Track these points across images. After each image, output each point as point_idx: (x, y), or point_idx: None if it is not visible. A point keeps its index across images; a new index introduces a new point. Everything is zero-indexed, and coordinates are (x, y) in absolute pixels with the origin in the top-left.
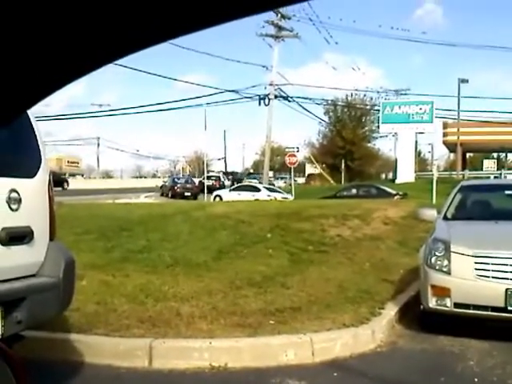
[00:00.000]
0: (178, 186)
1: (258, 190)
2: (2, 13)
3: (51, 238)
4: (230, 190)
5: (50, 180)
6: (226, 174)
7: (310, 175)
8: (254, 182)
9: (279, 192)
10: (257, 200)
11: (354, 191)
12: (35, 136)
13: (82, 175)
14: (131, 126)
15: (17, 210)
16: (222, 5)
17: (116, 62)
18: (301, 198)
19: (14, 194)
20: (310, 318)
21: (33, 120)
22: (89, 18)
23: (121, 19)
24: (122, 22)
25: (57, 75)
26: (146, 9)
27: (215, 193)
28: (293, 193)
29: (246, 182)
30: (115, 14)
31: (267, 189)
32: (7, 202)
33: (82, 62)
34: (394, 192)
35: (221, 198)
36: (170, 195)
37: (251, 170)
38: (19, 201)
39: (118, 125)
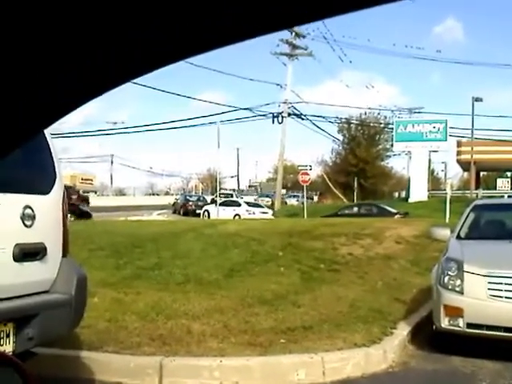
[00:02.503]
0: (190, 203)
1: (238, 204)
2: (18, 33)
3: (64, 255)
4: (216, 205)
5: (63, 197)
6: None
7: (321, 193)
8: (261, 199)
9: (260, 207)
10: (237, 215)
11: (355, 209)
12: (50, 153)
13: (96, 192)
14: (145, 144)
15: (31, 226)
16: (232, 26)
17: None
18: (311, 216)
19: (28, 211)
20: (321, 337)
21: (48, 137)
22: (106, 43)
23: (138, 37)
24: (139, 41)
25: (75, 94)
26: (162, 29)
27: (204, 208)
28: (305, 211)
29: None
30: (132, 34)
31: (247, 204)
32: (21, 218)
33: (98, 82)
34: (394, 211)
35: (209, 213)
36: (182, 212)
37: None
38: (33, 217)
39: (131, 142)
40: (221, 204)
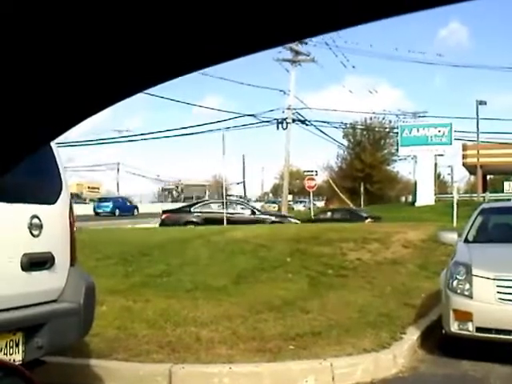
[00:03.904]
0: None
1: None
2: (29, 47)
3: (72, 264)
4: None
5: (70, 205)
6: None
7: (328, 198)
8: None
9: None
10: None
11: (329, 214)
12: (56, 162)
13: None
14: (151, 152)
15: (38, 235)
16: (241, 40)
17: None
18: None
19: (35, 220)
20: (330, 343)
21: (54, 146)
22: (114, 55)
23: (148, 49)
24: (149, 53)
25: (85, 105)
26: (171, 43)
27: None
28: (312, 215)
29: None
30: (142, 46)
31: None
32: (29, 227)
33: (107, 93)
34: (365, 215)
35: None
36: None
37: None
38: (40, 227)
39: (138, 150)
40: None
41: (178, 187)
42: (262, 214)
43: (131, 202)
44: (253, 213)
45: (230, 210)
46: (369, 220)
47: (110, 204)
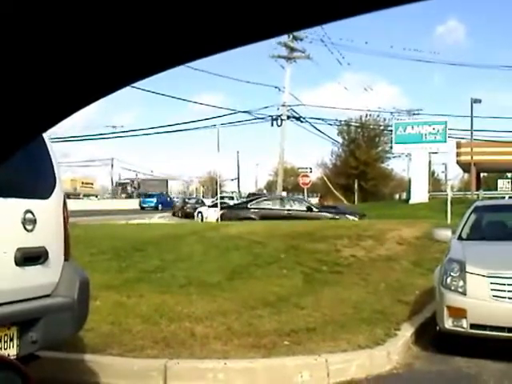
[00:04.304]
0: (188, 205)
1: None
2: (19, 37)
3: (66, 259)
4: (209, 207)
5: (64, 201)
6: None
7: (322, 196)
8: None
9: None
10: None
11: None
12: (50, 157)
13: (96, 196)
14: (145, 147)
15: (32, 230)
16: (233, 31)
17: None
18: None
19: (29, 215)
20: (324, 339)
21: (47, 141)
22: (105, 47)
23: (139, 41)
24: (140, 45)
25: (75, 97)
26: (161, 34)
27: (198, 210)
28: None
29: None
30: (133, 38)
31: None
32: (22, 222)
33: (97, 85)
34: (349, 212)
35: (202, 215)
36: (180, 215)
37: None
38: (34, 221)
39: (132, 146)
40: (212, 206)
41: (133, 182)
42: (319, 210)
43: (171, 199)
44: (309, 209)
45: (287, 207)
46: (353, 217)
47: (155, 199)
